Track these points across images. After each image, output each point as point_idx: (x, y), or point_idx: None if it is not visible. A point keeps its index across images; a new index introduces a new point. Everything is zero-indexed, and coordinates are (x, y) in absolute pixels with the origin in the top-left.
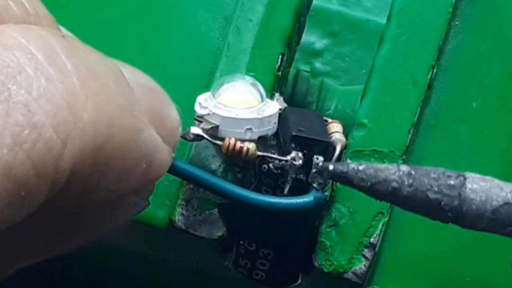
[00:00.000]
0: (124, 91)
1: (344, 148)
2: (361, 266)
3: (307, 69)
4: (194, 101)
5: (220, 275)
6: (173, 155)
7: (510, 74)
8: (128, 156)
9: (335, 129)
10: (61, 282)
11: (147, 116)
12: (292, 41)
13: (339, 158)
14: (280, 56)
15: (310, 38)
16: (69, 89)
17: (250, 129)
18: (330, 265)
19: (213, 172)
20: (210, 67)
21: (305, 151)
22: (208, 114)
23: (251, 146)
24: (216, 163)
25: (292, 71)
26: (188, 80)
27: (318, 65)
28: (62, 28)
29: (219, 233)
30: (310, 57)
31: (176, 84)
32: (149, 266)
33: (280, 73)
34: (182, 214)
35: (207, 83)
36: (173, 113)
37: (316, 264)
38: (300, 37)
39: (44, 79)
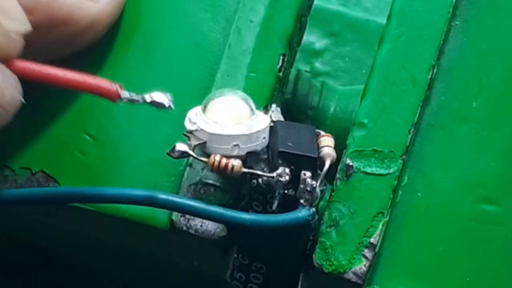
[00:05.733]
0: None
1: (334, 162)
2: (361, 266)
3: (307, 69)
4: (195, 102)
5: (220, 276)
6: None
7: (510, 74)
8: None
9: (326, 143)
10: (61, 281)
11: None
12: (293, 42)
13: (328, 173)
14: (281, 57)
15: (310, 38)
16: None
17: (237, 145)
18: (330, 265)
19: (212, 185)
20: (211, 67)
21: (292, 167)
22: (196, 130)
23: (236, 163)
24: (214, 176)
25: (293, 71)
26: (189, 80)
27: (318, 65)
28: None
29: (220, 234)
30: (310, 57)
31: (177, 84)
32: (150, 267)
33: (281, 73)
34: (183, 215)
35: (208, 84)
36: None
37: (316, 264)
38: (301, 38)
39: None
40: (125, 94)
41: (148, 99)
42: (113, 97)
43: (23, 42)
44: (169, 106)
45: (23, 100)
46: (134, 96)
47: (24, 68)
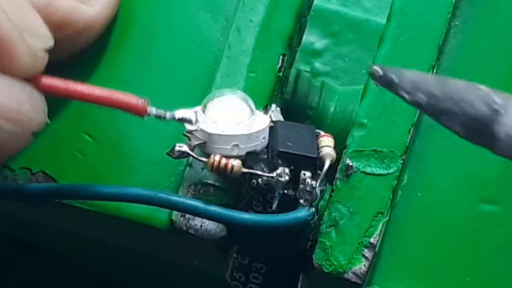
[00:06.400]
0: None
1: (334, 162)
2: (361, 266)
3: (307, 69)
4: (195, 102)
5: (220, 276)
6: None
7: (510, 74)
8: None
9: (326, 143)
10: (61, 281)
11: None
12: (293, 42)
13: (327, 173)
14: (281, 57)
15: (310, 38)
16: None
17: (237, 145)
18: (330, 265)
19: (212, 185)
20: (211, 68)
21: (292, 167)
22: (196, 130)
23: (236, 163)
24: (214, 176)
25: (293, 71)
26: (188, 81)
27: (318, 65)
28: None
29: (220, 234)
30: (310, 57)
31: (177, 84)
32: (150, 267)
33: (281, 73)
34: (183, 215)
35: (207, 84)
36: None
37: (316, 264)
38: (301, 38)
39: None
40: (151, 110)
41: (176, 116)
42: (140, 113)
43: (47, 57)
44: (196, 121)
45: (48, 121)
46: (161, 112)
47: (50, 85)
